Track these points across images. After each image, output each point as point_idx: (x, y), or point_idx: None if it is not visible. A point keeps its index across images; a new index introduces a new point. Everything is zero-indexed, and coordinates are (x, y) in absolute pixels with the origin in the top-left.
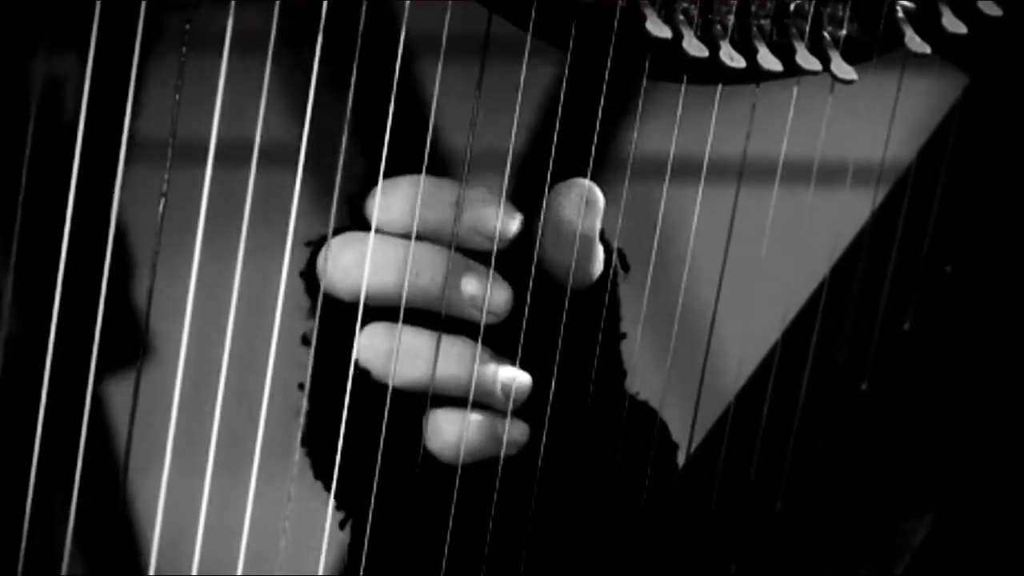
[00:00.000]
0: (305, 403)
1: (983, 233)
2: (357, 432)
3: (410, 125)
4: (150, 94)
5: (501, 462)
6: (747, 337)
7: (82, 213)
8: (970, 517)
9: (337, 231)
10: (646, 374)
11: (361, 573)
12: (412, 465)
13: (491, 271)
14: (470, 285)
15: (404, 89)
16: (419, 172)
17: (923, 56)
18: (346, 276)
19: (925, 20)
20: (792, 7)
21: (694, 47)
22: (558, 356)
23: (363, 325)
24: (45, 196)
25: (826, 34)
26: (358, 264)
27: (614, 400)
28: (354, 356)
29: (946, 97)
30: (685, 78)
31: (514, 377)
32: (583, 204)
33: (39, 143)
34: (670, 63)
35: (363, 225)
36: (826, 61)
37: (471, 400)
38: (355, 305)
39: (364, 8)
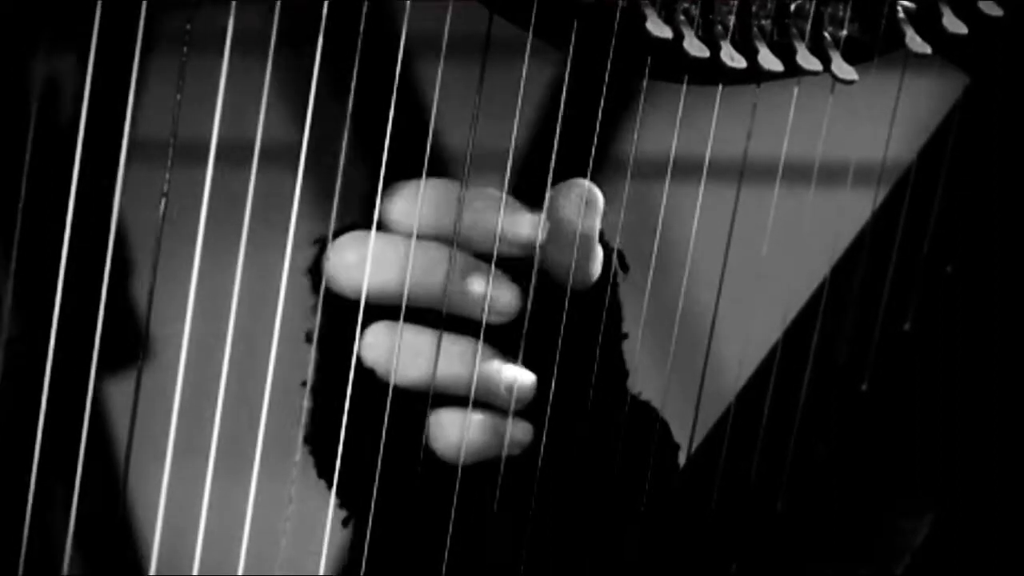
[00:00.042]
0: (308, 401)
1: (983, 233)
2: (361, 431)
3: (410, 125)
4: (150, 94)
5: (504, 462)
6: (747, 337)
7: (82, 213)
8: (970, 517)
9: (345, 229)
10: (647, 374)
11: (362, 573)
12: (415, 464)
13: (494, 271)
14: (479, 285)
15: (404, 89)
16: (419, 172)
17: (924, 56)
18: (353, 274)
19: (926, 20)
20: (793, 7)
21: (695, 47)
22: (560, 356)
23: (368, 324)
24: (45, 196)
25: (827, 34)
26: (364, 263)
27: (616, 400)
28: (359, 354)
29: (946, 97)
30: (686, 78)
31: (517, 377)
32: (583, 204)
33: (39, 143)
34: (671, 63)
35: (377, 224)
36: (827, 61)
37: (475, 400)
38: (359, 303)
39: (364, 8)
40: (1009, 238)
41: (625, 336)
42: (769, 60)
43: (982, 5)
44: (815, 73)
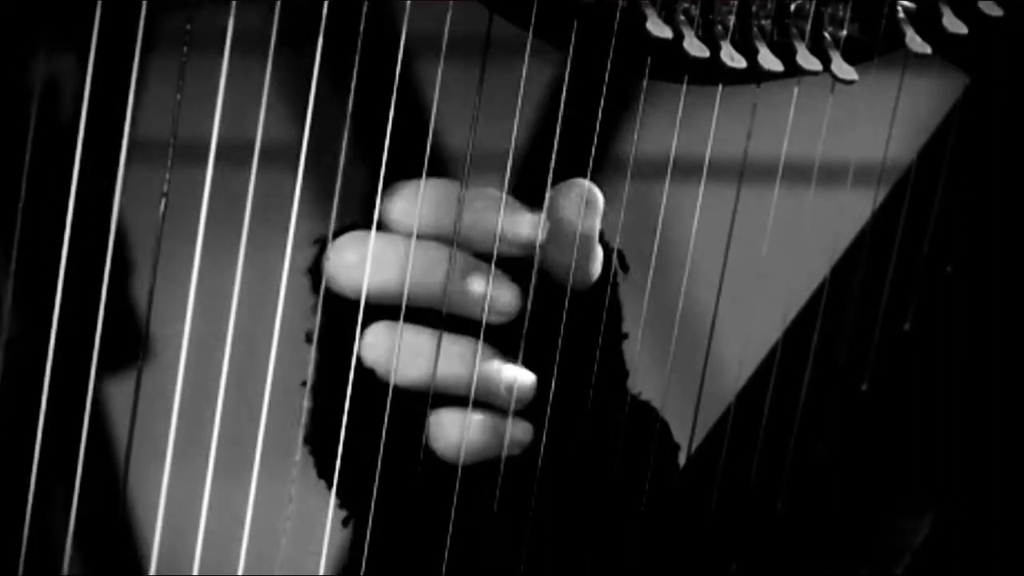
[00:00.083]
0: (308, 401)
1: (983, 233)
2: (361, 431)
3: (410, 125)
4: (150, 94)
5: (504, 462)
6: (747, 337)
7: (82, 213)
8: (970, 517)
9: (345, 229)
10: (647, 374)
11: (362, 573)
12: (415, 464)
13: (494, 271)
14: (479, 285)
15: (404, 89)
16: (419, 172)
17: (924, 56)
18: (353, 274)
19: (926, 20)
20: (793, 7)
21: (695, 47)
22: (560, 356)
23: (368, 324)
24: (45, 196)
25: (827, 34)
26: (364, 263)
27: (616, 400)
28: (359, 354)
29: (947, 97)
30: (686, 78)
31: (517, 377)
32: (583, 204)
33: (39, 143)
34: (671, 63)
35: (378, 224)
36: (827, 61)
37: (475, 400)
38: (360, 303)
39: (364, 8)
40: (1009, 238)
41: (625, 336)
42: (769, 60)
43: (982, 5)
44: (815, 73)
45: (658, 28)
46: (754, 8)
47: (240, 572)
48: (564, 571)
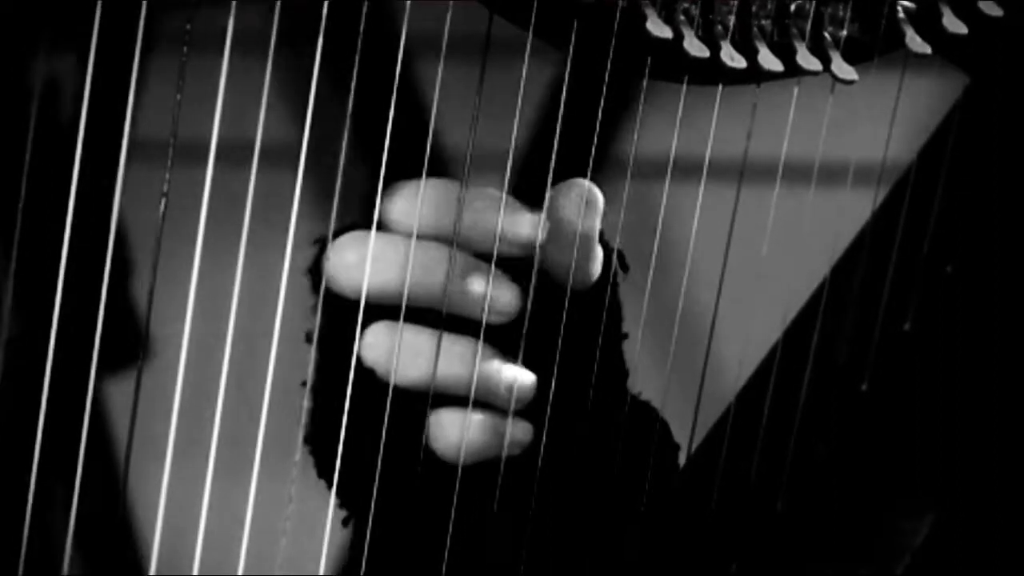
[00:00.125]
0: (308, 401)
1: (983, 233)
2: (361, 431)
3: (410, 125)
4: (150, 94)
5: (504, 462)
6: (747, 337)
7: (82, 213)
8: (971, 517)
9: (345, 229)
10: (647, 374)
11: (362, 573)
12: (415, 464)
13: (494, 271)
14: (480, 285)
15: (404, 89)
16: (419, 172)
17: (924, 56)
18: (353, 274)
19: (926, 20)
20: (793, 7)
21: (695, 47)
22: (560, 356)
23: (368, 324)
24: (45, 196)
25: (827, 34)
26: (365, 262)
27: (616, 400)
28: (359, 354)
29: (947, 97)
30: (686, 78)
31: (518, 377)
32: (583, 204)
33: (39, 143)
34: (671, 63)
35: (378, 224)
36: (827, 61)
37: (476, 400)
38: (360, 303)
39: (364, 8)
40: (1009, 238)
41: (625, 336)
42: (769, 60)
43: (982, 5)
44: (815, 73)
45: (658, 28)
46: (754, 8)
47: (240, 572)
48: (564, 571)
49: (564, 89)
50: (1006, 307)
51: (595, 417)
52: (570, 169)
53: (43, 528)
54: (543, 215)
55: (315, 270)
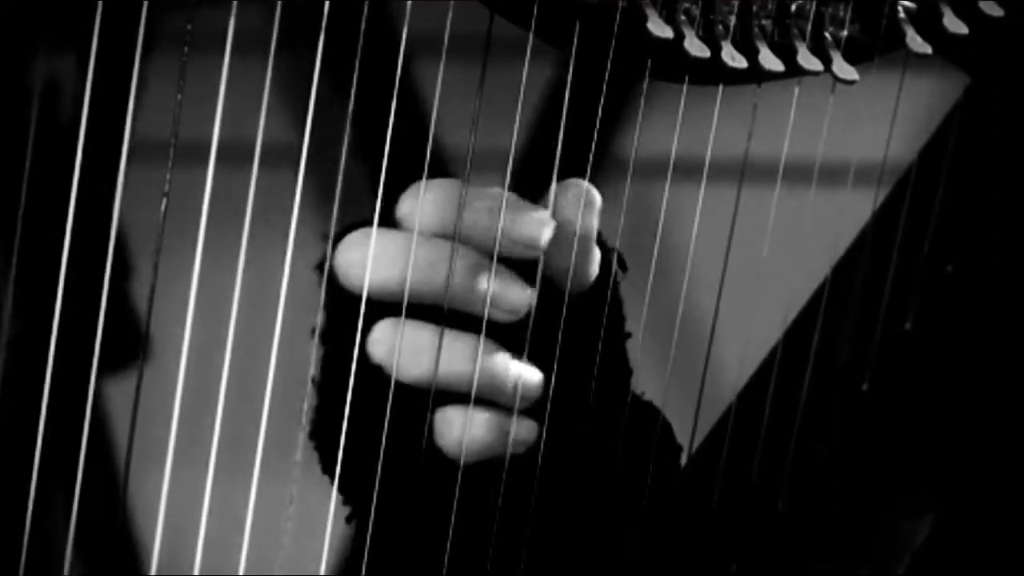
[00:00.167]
0: (313, 397)
1: (984, 233)
2: (366, 427)
3: (410, 125)
4: (150, 95)
5: (509, 460)
6: (748, 337)
7: (83, 214)
8: (971, 517)
9: (355, 225)
10: (647, 375)
11: (364, 569)
12: (420, 461)
13: (505, 270)
14: (487, 283)
15: (404, 89)
16: (419, 172)
17: (924, 56)
18: (362, 271)
19: (926, 20)
20: (794, 8)
21: (696, 47)
22: (562, 356)
23: (376, 320)
24: (45, 197)
25: (827, 34)
26: (375, 259)
27: (618, 400)
28: (366, 350)
29: (947, 97)
30: (686, 78)
31: (523, 375)
32: (581, 205)
33: (40, 143)
34: (671, 63)
35: (389, 222)
36: (827, 61)
37: (482, 398)
38: (370, 300)
39: (365, 8)
40: (1010, 238)
41: (628, 336)
42: (770, 60)
43: (983, 5)
44: (816, 73)
45: (659, 28)
46: (755, 8)
47: (241, 573)
48: (565, 570)
49: (567, 89)
50: (1007, 307)
51: (598, 416)
52: (570, 169)
53: (43, 530)
54: (549, 215)
55: (323, 266)
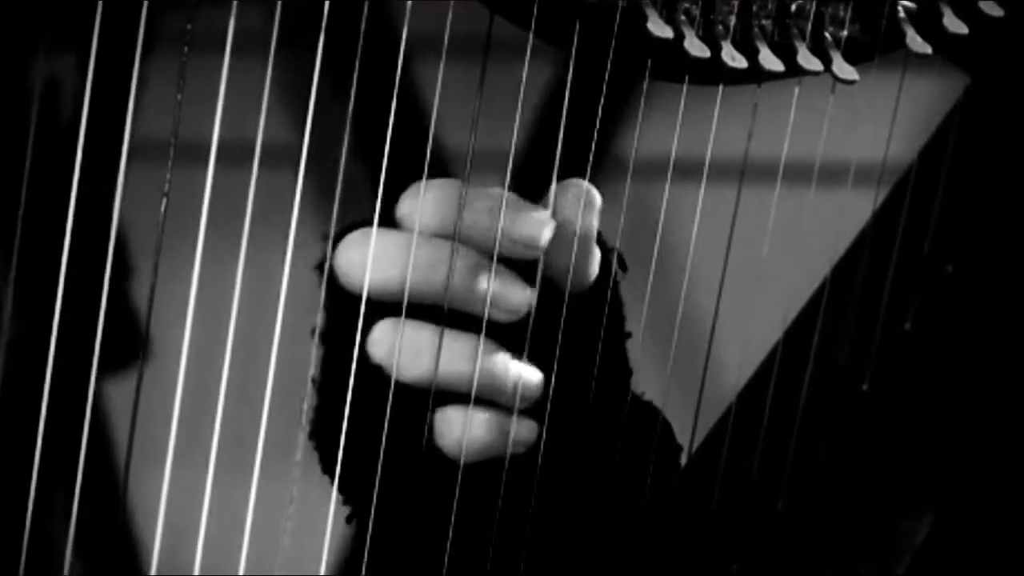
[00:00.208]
0: (313, 397)
1: (984, 233)
2: (366, 427)
3: (409, 125)
4: (149, 95)
5: (508, 460)
6: (748, 337)
7: (83, 214)
8: (971, 518)
9: (355, 225)
10: (648, 375)
11: (364, 569)
12: (420, 461)
13: (505, 270)
14: (487, 283)
15: (404, 89)
16: (419, 172)
17: (924, 56)
18: (362, 270)
19: (926, 20)
20: (794, 8)
21: (696, 47)
22: (562, 356)
23: (376, 320)
24: (45, 197)
25: (827, 35)
26: (375, 258)
27: (618, 400)
28: (366, 350)
29: (947, 97)
30: (686, 78)
31: (524, 374)
32: (581, 204)
33: (40, 143)
34: (671, 63)
35: (390, 222)
36: (827, 61)
37: (482, 398)
38: (370, 300)
39: (366, 8)
40: (1010, 238)
41: (628, 335)
42: (770, 60)
43: (983, 5)
44: (816, 73)
45: (659, 28)
46: (755, 8)
47: (241, 573)
48: (565, 570)
49: (567, 89)
50: (1007, 307)
51: (597, 416)
52: (570, 169)
53: (43, 530)
54: (549, 215)
55: (322, 266)
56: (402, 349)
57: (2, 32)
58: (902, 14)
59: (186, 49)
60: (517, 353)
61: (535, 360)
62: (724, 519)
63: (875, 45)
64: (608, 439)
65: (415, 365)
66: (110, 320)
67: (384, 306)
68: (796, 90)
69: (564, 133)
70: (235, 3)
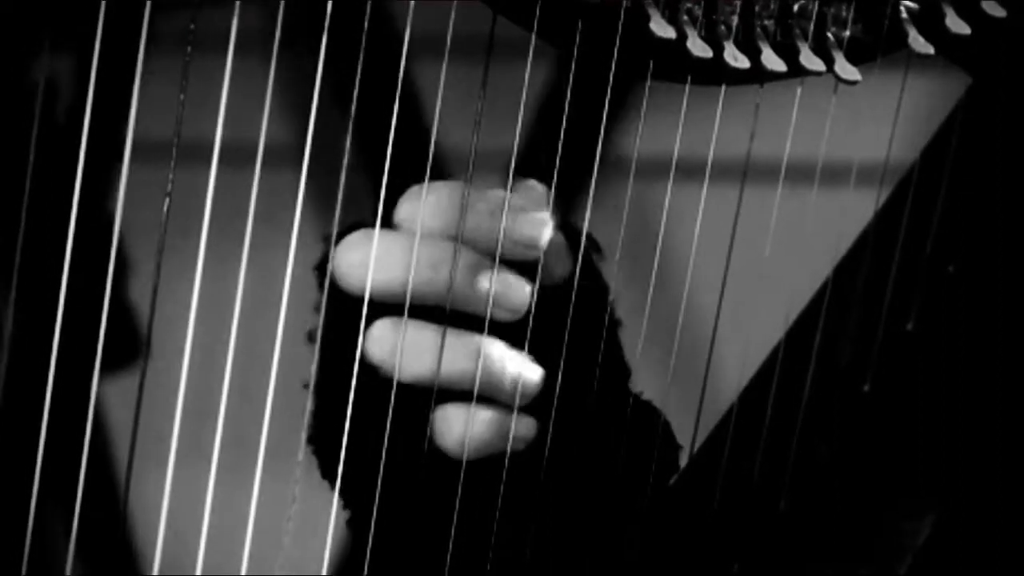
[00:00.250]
0: (311, 401)
1: (986, 233)
2: (365, 428)
3: (411, 126)
4: (151, 95)
5: (508, 458)
6: (750, 337)
7: (85, 214)
8: (973, 518)
9: (353, 227)
10: (648, 373)
11: (366, 569)
12: (420, 460)
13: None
14: (488, 282)
15: (405, 90)
16: (420, 173)
17: (927, 56)
18: (362, 272)
19: (929, 21)
20: (796, 8)
21: (698, 47)
22: (555, 350)
23: (374, 321)
24: (47, 197)
25: (830, 35)
26: (376, 260)
27: (615, 391)
28: (363, 351)
29: (949, 97)
30: (689, 78)
31: (523, 372)
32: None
33: (42, 144)
34: (674, 63)
35: (389, 224)
36: (830, 62)
37: (482, 395)
38: (370, 301)
39: (368, 9)
40: (1012, 237)
41: (620, 323)
42: (772, 60)
43: (985, 5)
44: (818, 73)
45: (662, 28)
46: (757, 8)
47: (243, 573)
48: (566, 569)
49: (568, 90)
50: (1009, 307)
51: (595, 408)
52: (570, 169)
53: (45, 530)
54: (547, 214)
55: (322, 267)
56: (400, 348)
57: (2, 32)
58: (904, 14)
59: (189, 49)
60: (515, 350)
61: (535, 357)
62: (725, 519)
63: (877, 45)
64: (607, 435)
65: (413, 363)
66: (112, 321)
67: (384, 307)
68: (798, 90)
69: (565, 134)
70: (237, 4)
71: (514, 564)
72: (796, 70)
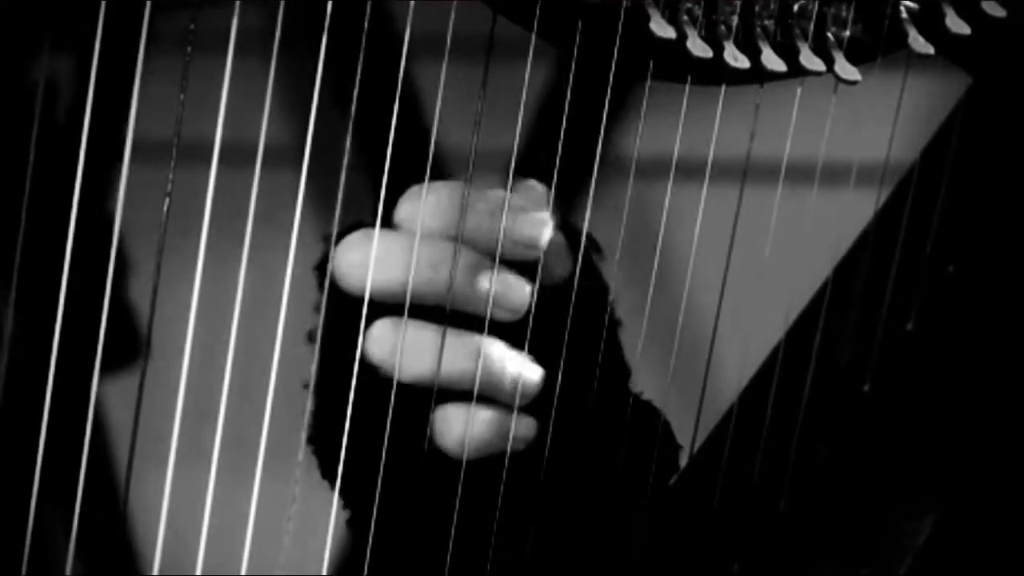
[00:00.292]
0: (311, 401)
1: (986, 233)
2: (365, 428)
3: (411, 126)
4: (151, 95)
5: (508, 458)
6: (750, 337)
7: (84, 214)
8: (973, 518)
9: (353, 227)
10: (648, 373)
11: (366, 569)
12: (420, 460)
13: (506, 270)
14: (488, 282)
15: (405, 90)
16: (420, 173)
17: (927, 56)
18: (362, 272)
19: (929, 21)
20: (796, 8)
21: (698, 47)
22: (555, 349)
23: (374, 321)
24: (47, 197)
25: (830, 35)
26: (376, 260)
27: (615, 390)
28: (363, 351)
29: (949, 97)
30: (689, 78)
31: (523, 371)
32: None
33: (41, 144)
34: (674, 63)
35: (389, 224)
36: (830, 62)
37: (481, 395)
38: (370, 301)
39: (368, 9)
40: (1011, 237)
41: (619, 322)
42: (772, 60)
43: (985, 5)
44: (818, 73)
45: (662, 28)
46: (757, 8)
47: (243, 573)
48: (566, 569)
49: (568, 90)
50: (1009, 307)
51: (595, 408)
52: (570, 169)
53: (45, 530)
54: (548, 214)
55: (322, 267)
56: (400, 348)
57: (2, 32)
58: (904, 14)
59: (189, 49)
60: (515, 350)
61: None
62: (726, 519)
63: (877, 45)
64: (607, 435)
65: (415, 364)
66: (112, 320)
67: (384, 307)
68: (798, 90)
69: (565, 134)
70: (237, 4)
71: (514, 564)
72: (796, 70)
